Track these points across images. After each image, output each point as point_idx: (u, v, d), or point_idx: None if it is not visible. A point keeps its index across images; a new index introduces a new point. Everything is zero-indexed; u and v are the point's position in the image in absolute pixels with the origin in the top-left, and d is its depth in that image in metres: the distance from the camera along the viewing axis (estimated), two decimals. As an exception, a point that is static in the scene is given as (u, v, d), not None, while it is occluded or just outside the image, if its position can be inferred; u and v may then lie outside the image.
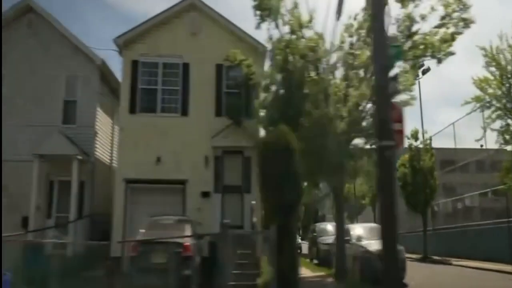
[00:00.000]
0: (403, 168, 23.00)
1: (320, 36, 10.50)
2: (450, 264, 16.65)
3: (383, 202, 5.34)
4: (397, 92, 6.99)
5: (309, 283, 11.61)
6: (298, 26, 10.67)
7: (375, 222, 32.13)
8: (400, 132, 7.17)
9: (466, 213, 25.77)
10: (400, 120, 7.21)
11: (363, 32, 11.27)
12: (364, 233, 12.93)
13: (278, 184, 6.80)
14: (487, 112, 14.74)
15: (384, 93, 5.57)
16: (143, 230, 8.44)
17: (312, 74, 10.57)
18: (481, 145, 32.45)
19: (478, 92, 14.34)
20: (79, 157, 12.84)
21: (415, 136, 21.35)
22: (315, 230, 20.97)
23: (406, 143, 20.24)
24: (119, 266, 12.40)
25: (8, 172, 13.18)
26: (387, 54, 5.73)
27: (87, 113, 13.74)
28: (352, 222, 32.49)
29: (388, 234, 5.31)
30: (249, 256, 11.03)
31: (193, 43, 13.93)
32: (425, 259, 19.06)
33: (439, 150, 24.18)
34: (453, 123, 23.55)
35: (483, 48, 13.85)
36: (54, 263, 10.86)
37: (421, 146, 21.62)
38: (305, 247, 26.57)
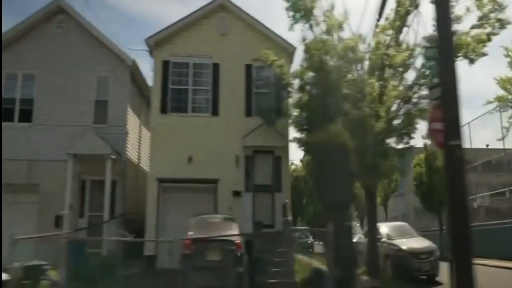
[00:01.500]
0: (419, 168, 23.23)
1: (360, 37, 10.63)
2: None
3: (455, 200, 5.46)
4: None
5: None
6: (338, 27, 10.77)
7: (386, 221, 32.38)
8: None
9: (480, 212, 25.93)
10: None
11: (391, 32, 11.41)
12: (392, 232, 13.10)
13: (334, 183, 6.91)
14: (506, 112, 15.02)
15: (453, 92, 5.68)
16: (192, 229, 8.53)
17: (350, 74, 10.68)
18: (487, 145, 32.66)
19: (496, 93, 14.57)
20: (113, 156, 12.96)
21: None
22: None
23: (422, 142, 20.39)
24: (154, 264, 12.58)
25: (41, 172, 13.37)
26: (454, 54, 5.84)
27: (118, 113, 13.86)
28: (361, 221, 32.68)
29: (460, 232, 5.43)
30: (285, 254, 11.16)
31: (222, 43, 14.05)
32: (441, 258, 19.19)
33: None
34: (468, 123, 23.71)
35: (506, 48, 14.01)
36: (95, 260, 11.03)
37: (437, 145, 21.71)
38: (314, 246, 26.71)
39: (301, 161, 22.47)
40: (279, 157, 13.65)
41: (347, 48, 10.37)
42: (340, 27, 10.72)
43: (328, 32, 11.24)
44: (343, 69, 10.54)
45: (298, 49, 13.30)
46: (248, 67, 14.02)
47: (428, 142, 20.06)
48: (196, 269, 7.54)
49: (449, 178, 5.59)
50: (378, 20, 10.67)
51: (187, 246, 7.69)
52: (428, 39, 10.10)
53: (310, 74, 11.93)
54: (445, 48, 5.89)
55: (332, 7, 11.08)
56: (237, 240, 8.31)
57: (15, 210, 13.24)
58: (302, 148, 11.87)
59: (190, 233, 8.42)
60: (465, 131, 24.27)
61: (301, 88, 11.54)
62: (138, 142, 15.63)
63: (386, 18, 11.64)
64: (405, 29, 11.28)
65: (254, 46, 13.88)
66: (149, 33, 14.23)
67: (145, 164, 16.35)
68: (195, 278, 7.50)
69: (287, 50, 13.91)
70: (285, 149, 13.75)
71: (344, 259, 6.86)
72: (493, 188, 25.91)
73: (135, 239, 10.16)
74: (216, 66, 13.90)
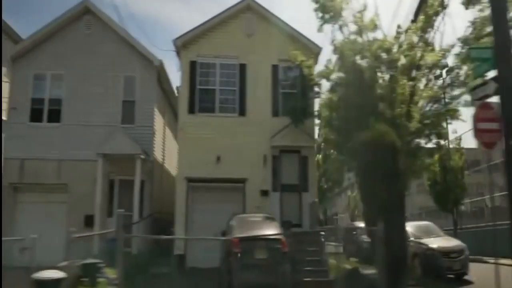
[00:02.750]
0: (433, 168, 23.35)
1: (395, 38, 10.73)
2: (486, 262, 16.85)
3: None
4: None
5: (373, 278, 11.79)
6: (371, 27, 10.88)
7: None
8: (498, 131, 7.40)
9: (494, 212, 26.03)
10: (497, 119, 7.45)
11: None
12: (419, 231, 13.18)
13: (385, 182, 7.02)
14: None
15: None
16: (235, 228, 8.64)
17: (383, 74, 10.79)
18: None
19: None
20: (142, 156, 13.06)
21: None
22: (354, 229, 21.13)
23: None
24: (184, 263, 12.68)
25: (70, 172, 13.49)
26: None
27: (145, 113, 13.97)
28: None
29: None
30: (317, 253, 11.27)
31: (249, 44, 14.15)
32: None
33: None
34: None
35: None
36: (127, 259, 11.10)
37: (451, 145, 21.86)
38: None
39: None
40: (305, 156, 13.76)
41: (382, 48, 10.45)
42: (374, 27, 10.81)
43: (360, 32, 11.34)
44: (377, 69, 10.63)
45: (324, 50, 13.50)
46: (275, 68, 14.13)
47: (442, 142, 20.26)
48: (245, 267, 7.64)
49: (508, 177, 5.70)
50: (413, 21, 10.77)
51: (235, 244, 7.78)
52: (463, 40, 10.27)
53: (340, 74, 12.09)
54: (503, 50, 5.99)
55: (364, 7, 11.18)
56: (283, 238, 8.42)
57: (45, 210, 13.39)
58: (334, 148, 11.96)
59: (234, 231, 8.51)
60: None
61: (332, 89, 11.61)
62: (162, 142, 15.74)
63: (413, 20, 11.78)
64: (428, 29, 11.44)
65: (280, 46, 14.03)
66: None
67: (168, 164, 16.48)
68: (244, 275, 7.60)
69: (313, 51, 14.01)
70: (312, 149, 13.88)
71: (396, 258, 6.96)
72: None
73: (192, 237, 10.20)
74: (242, 67, 14.00)
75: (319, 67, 13.41)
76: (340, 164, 13.26)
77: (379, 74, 10.85)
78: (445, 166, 22.00)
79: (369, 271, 11.35)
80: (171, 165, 16.91)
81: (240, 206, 13.30)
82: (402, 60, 10.48)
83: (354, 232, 20.46)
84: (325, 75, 12.67)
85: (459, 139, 22.44)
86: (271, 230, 8.75)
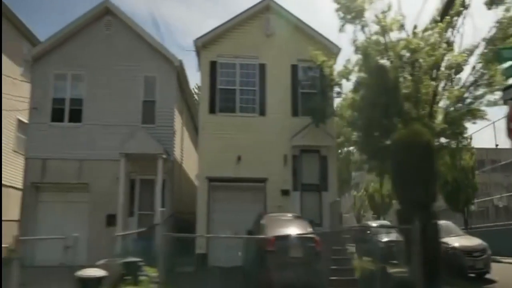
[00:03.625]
0: (443, 167, 23.38)
1: (423, 38, 10.79)
2: (500, 262, 16.90)
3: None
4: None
5: (400, 277, 11.79)
6: (397, 27, 10.96)
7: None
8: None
9: (506, 212, 26.13)
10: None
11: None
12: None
13: (422, 180, 7.08)
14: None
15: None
16: (268, 227, 8.69)
17: (407, 74, 10.86)
18: (496, 145, 32.78)
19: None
20: (164, 156, 13.11)
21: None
22: (367, 228, 21.18)
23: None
24: (205, 261, 12.74)
25: (91, 171, 13.54)
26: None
27: (166, 113, 14.02)
28: (378, 219, 32.81)
29: None
30: (341, 252, 11.32)
31: (268, 44, 14.22)
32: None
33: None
34: (493, 122, 23.83)
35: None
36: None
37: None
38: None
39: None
40: (325, 156, 13.83)
41: (407, 48, 10.51)
42: (400, 28, 10.87)
43: (383, 33, 11.41)
44: (402, 69, 10.69)
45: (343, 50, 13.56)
46: (294, 68, 14.20)
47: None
48: (281, 266, 7.70)
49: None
50: (440, 22, 10.83)
51: (271, 243, 7.84)
52: (489, 40, 10.34)
53: (362, 74, 12.16)
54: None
55: (389, 8, 11.24)
56: (316, 237, 8.48)
57: (66, 209, 13.45)
58: (357, 148, 12.03)
59: (267, 230, 8.56)
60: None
61: (355, 89, 11.67)
62: (181, 142, 15.79)
63: (438, 20, 11.84)
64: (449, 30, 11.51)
65: (300, 46, 14.12)
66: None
67: (185, 164, 16.54)
68: (280, 274, 7.66)
69: (332, 51, 14.06)
70: (332, 149, 13.94)
71: (432, 257, 7.02)
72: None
73: (231, 235, 10.24)
74: (262, 67, 14.07)
75: (337, 67, 13.49)
76: (360, 163, 13.29)
77: (403, 74, 10.89)
78: (455, 166, 22.05)
79: (395, 270, 11.47)
80: (188, 165, 16.98)
81: (261, 206, 13.35)
82: (427, 60, 10.52)
83: (368, 232, 20.57)
84: (345, 75, 12.76)
85: (469, 138, 22.50)
86: (302, 229, 8.81)
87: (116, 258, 8.05)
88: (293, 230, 8.61)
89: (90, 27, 14.29)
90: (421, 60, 10.48)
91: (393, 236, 16.54)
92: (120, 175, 12.89)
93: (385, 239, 16.47)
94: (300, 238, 8.23)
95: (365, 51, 11.29)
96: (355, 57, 12.37)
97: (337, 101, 13.54)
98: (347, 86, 13.02)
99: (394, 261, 14.73)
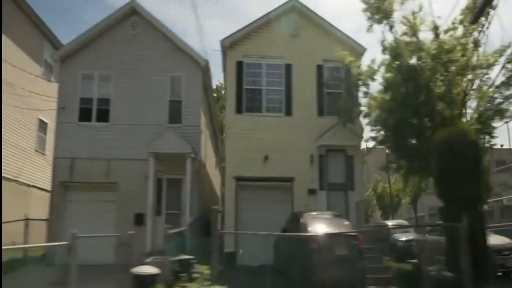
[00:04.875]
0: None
1: (458, 39, 10.86)
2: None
3: None
4: None
5: (441, 277, 11.78)
6: (432, 28, 11.03)
7: (416, 219, 32.62)
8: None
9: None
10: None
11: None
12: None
13: (470, 178, 7.15)
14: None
15: None
16: (310, 225, 8.77)
17: (439, 75, 10.92)
18: (501, 145, 32.78)
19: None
20: (192, 155, 13.20)
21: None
22: (384, 228, 21.24)
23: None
24: (234, 260, 12.82)
25: (119, 171, 13.62)
26: None
27: (192, 112, 14.09)
28: (387, 219, 32.91)
29: None
30: (372, 251, 11.40)
31: (293, 44, 14.30)
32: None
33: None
34: (506, 122, 23.88)
35: None
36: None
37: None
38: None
39: None
40: (351, 156, 13.92)
41: (441, 49, 10.59)
42: (434, 28, 10.95)
43: (413, 33, 11.47)
44: (434, 70, 10.76)
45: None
46: (319, 68, 14.28)
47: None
48: (326, 263, 7.78)
49: None
50: (473, 23, 10.91)
51: (315, 241, 7.92)
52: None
53: (390, 74, 12.23)
54: None
55: (420, 8, 11.31)
56: (360, 235, 8.57)
57: (94, 208, 13.52)
58: (388, 147, 12.10)
59: (309, 229, 8.65)
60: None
61: (386, 88, 11.73)
62: (205, 142, 15.89)
63: (461, 21, 11.91)
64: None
65: (325, 47, 14.21)
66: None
67: (209, 163, 16.62)
68: (325, 272, 7.74)
69: (357, 51, 14.16)
70: (357, 148, 14.03)
71: (481, 255, 7.09)
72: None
73: (276, 233, 10.30)
74: (288, 67, 14.16)
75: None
76: (387, 163, 13.38)
77: (435, 74, 10.95)
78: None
79: (430, 268, 11.51)
80: (210, 165, 17.08)
81: (288, 205, 13.45)
82: (461, 61, 10.59)
83: (386, 231, 20.65)
84: (370, 75, 12.84)
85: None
86: (343, 227, 8.91)
87: (161, 256, 8.12)
88: (335, 228, 8.69)
89: (117, 28, 14.37)
90: (454, 61, 10.52)
91: (411, 235, 16.67)
92: (149, 175, 12.97)
93: (403, 238, 16.60)
94: (344, 236, 8.32)
95: (396, 51, 11.34)
96: (380, 57, 12.46)
97: (362, 101, 13.55)
98: (373, 86, 13.12)
99: (414, 260, 14.87)
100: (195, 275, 6.64)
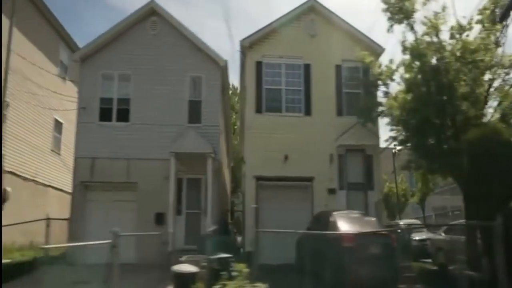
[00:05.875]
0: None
1: (483, 39, 10.90)
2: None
3: None
4: None
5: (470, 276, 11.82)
6: (458, 29, 11.08)
7: (424, 219, 32.66)
8: None
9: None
10: None
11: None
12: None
13: (502, 178, 7.21)
14: None
15: None
16: (341, 224, 8.83)
17: (462, 74, 10.97)
18: None
19: None
20: (213, 155, 13.25)
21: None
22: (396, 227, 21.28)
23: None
24: (254, 259, 12.85)
25: (138, 170, 13.67)
26: None
27: (211, 112, 14.13)
28: (394, 219, 32.96)
29: None
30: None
31: (312, 44, 14.38)
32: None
33: None
34: None
35: None
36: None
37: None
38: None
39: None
40: (370, 155, 13.98)
41: (466, 49, 10.65)
42: (460, 29, 11.00)
43: (436, 33, 11.53)
44: (458, 70, 10.82)
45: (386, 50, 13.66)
46: (338, 68, 14.35)
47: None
48: (360, 262, 7.83)
49: None
50: (500, 22, 10.96)
51: (350, 239, 7.97)
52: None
53: (408, 74, 12.30)
54: None
55: (443, 9, 11.37)
56: (392, 234, 8.62)
57: (114, 208, 13.56)
58: (409, 147, 12.15)
59: (340, 227, 8.70)
60: None
61: (408, 89, 11.77)
62: (222, 141, 15.94)
63: (480, 21, 11.95)
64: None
65: (343, 47, 14.30)
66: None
67: (223, 163, 16.66)
68: (359, 270, 7.79)
69: (376, 51, 14.23)
70: (376, 148, 14.09)
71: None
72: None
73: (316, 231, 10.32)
74: (307, 67, 14.23)
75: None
76: (407, 162, 13.41)
77: (459, 74, 11.00)
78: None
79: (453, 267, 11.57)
80: (224, 164, 17.12)
81: (307, 205, 13.53)
82: (486, 61, 10.65)
83: (399, 231, 20.69)
84: (389, 74, 12.91)
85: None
86: (373, 226, 8.96)
87: (195, 255, 8.17)
88: (366, 227, 8.74)
89: (136, 28, 14.42)
90: (479, 60, 10.58)
91: (424, 234, 16.74)
92: (171, 174, 13.02)
93: (416, 238, 16.68)
94: (377, 235, 8.37)
95: (419, 51, 11.39)
96: (399, 57, 12.53)
97: (382, 101, 13.58)
98: (392, 86, 13.18)
99: (428, 260, 14.93)
100: (234, 273, 6.69)
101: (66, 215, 15.81)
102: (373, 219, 9.76)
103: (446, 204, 45.68)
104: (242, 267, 6.86)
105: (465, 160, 8.24)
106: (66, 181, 18.89)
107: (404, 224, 19.17)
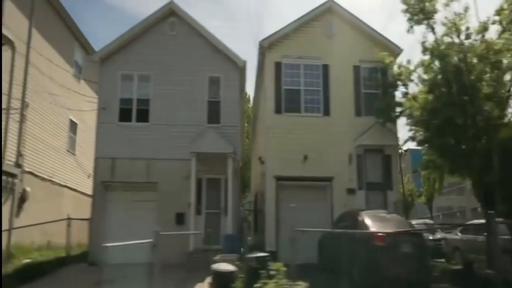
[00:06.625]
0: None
1: (508, 39, 10.97)
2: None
3: None
4: None
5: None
6: (481, 29, 11.16)
7: (431, 218, 32.75)
8: None
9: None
10: None
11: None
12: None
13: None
14: None
15: None
16: (371, 224, 8.88)
17: (485, 75, 11.05)
18: None
19: None
20: (233, 155, 13.30)
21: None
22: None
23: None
24: (276, 259, 12.88)
25: (158, 170, 13.72)
26: None
27: (230, 112, 14.17)
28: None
29: None
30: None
31: (330, 45, 14.44)
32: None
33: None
34: None
35: None
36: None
37: None
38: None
39: None
40: (389, 155, 14.04)
41: (490, 49, 10.72)
42: (483, 30, 11.08)
43: (458, 34, 11.61)
44: (482, 70, 10.89)
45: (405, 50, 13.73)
46: (356, 68, 14.42)
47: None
48: (392, 261, 7.88)
49: None
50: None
51: (381, 238, 8.03)
52: None
53: (426, 74, 12.39)
54: None
55: (466, 10, 11.45)
56: (423, 233, 8.68)
57: (134, 208, 13.62)
58: (429, 147, 12.22)
59: (371, 227, 8.76)
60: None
61: (430, 89, 11.84)
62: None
63: (499, 21, 12.02)
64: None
65: (361, 47, 14.39)
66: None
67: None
68: (391, 269, 7.85)
69: (394, 52, 14.30)
70: (395, 148, 14.15)
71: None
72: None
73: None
74: (325, 67, 14.30)
75: (396, 68, 13.67)
76: (428, 162, 13.50)
77: (482, 74, 11.08)
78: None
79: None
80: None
81: (327, 204, 13.60)
82: (510, 61, 10.73)
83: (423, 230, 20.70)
84: (408, 75, 12.99)
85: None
86: (403, 226, 9.02)
87: (228, 254, 8.22)
88: (397, 226, 8.80)
89: (155, 29, 14.47)
90: (505, 61, 10.66)
91: (439, 234, 16.80)
92: (192, 174, 13.07)
93: (430, 237, 16.74)
94: (408, 234, 8.43)
95: (441, 52, 11.47)
96: (417, 58, 12.63)
97: (401, 101, 13.63)
98: (411, 86, 13.25)
99: (441, 260, 14.99)
100: (272, 272, 6.75)
101: (81, 215, 15.91)
102: (402, 218, 9.82)
103: (451, 205, 45.75)
104: (279, 266, 6.91)
105: (496, 160, 8.29)
106: (80, 182, 18.95)
107: (419, 224, 19.24)
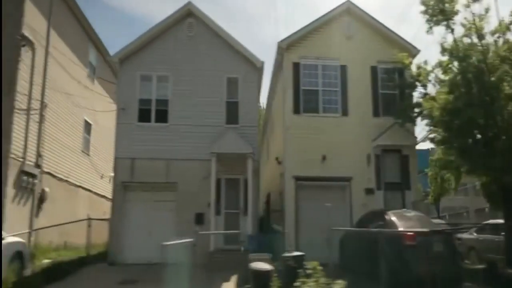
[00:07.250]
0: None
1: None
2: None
3: None
4: None
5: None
6: (504, 29, 11.25)
7: (440, 218, 32.75)
8: None
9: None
10: None
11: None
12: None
13: None
14: None
15: None
16: (400, 223, 8.93)
17: (505, 75, 11.12)
18: None
19: None
20: (252, 155, 13.35)
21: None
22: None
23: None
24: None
25: (177, 171, 13.78)
26: None
27: (249, 113, 14.23)
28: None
29: None
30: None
31: (348, 46, 14.52)
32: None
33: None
34: None
35: None
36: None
37: None
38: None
39: None
40: (406, 155, 14.11)
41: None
42: (506, 30, 11.16)
43: (479, 35, 11.68)
44: (504, 70, 10.96)
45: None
46: (374, 69, 14.49)
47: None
48: (423, 260, 7.92)
49: None
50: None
51: (411, 238, 8.08)
52: None
53: (444, 74, 12.48)
54: None
55: (486, 11, 11.52)
56: (453, 232, 8.73)
57: (155, 208, 13.69)
58: (449, 147, 12.28)
59: (400, 226, 8.81)
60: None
61: (451, 90, 11.89)
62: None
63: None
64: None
65: (379, 48, 14.48)
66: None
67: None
68: (423, 268, 7.87)
69: (411, 52, 14.37)
70: (413, 148, 14.22)
71: None
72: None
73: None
74: (343, 68, 14.37)
75: (413, 68, 13.75)
76: (446, 162, 13.56)
77: (503, 74, 11.14)
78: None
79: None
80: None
81: (345, 205, 13.66)
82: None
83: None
84: (426, 76, 13.07)
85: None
86: (431, 225, 9.07)
87: (258, 254, 8.27)
88: (425, 225, 8.84)
89: (173, 29, 14.54)
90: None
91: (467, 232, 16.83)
92: (212, 175, 13.12)
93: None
94: (439, 233, 8.49)
95: (462, 53, 11.54)
96: (436, 58, 12.72)
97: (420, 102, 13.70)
98: (429, 86, 13.32)
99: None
100: (309, 271, 6.81)
101: (94, 215, 15.96)
102: (427, 217, 9.87)
103: (453, 205, 45.83)
104: (315, 265, 6.96)
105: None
106: (94, 182, 18.99)
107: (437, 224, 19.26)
